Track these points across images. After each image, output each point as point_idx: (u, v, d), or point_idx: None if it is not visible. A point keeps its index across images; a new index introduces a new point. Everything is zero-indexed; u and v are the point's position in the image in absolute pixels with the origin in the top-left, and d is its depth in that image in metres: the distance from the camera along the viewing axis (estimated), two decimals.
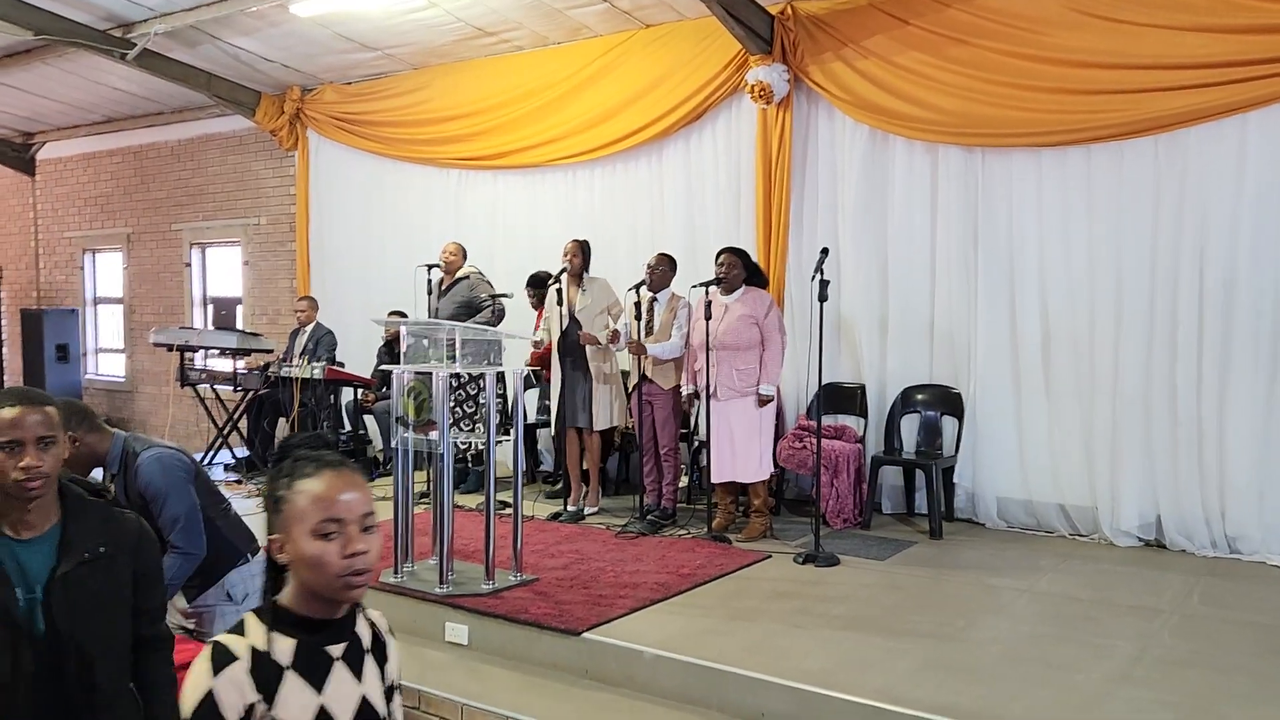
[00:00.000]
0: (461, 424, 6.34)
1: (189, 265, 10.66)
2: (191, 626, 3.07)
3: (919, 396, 6.18)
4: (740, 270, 5.63)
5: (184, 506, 2.90)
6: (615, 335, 5.99)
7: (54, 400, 2.14)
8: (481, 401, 6.49)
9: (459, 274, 6.71)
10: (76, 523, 2.04)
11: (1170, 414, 5.37)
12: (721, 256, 5.67)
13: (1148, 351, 5.44)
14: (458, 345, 4.66)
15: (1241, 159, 5.12)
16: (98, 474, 3.06)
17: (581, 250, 6.24)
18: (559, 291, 6.16)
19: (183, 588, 3.03)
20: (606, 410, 6.23)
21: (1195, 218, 5.26)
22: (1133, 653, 3.88)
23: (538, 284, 6.86)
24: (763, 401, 5.54)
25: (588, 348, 6.16)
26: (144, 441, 2.99)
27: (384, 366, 6.06)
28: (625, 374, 6.45)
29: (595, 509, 6.38)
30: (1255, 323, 5.13)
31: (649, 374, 5.92)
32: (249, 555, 3.09)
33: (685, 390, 5.88)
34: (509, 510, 5.43)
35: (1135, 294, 5.46)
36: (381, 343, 7.65)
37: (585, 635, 4.10)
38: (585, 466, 6.52)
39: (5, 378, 12.14)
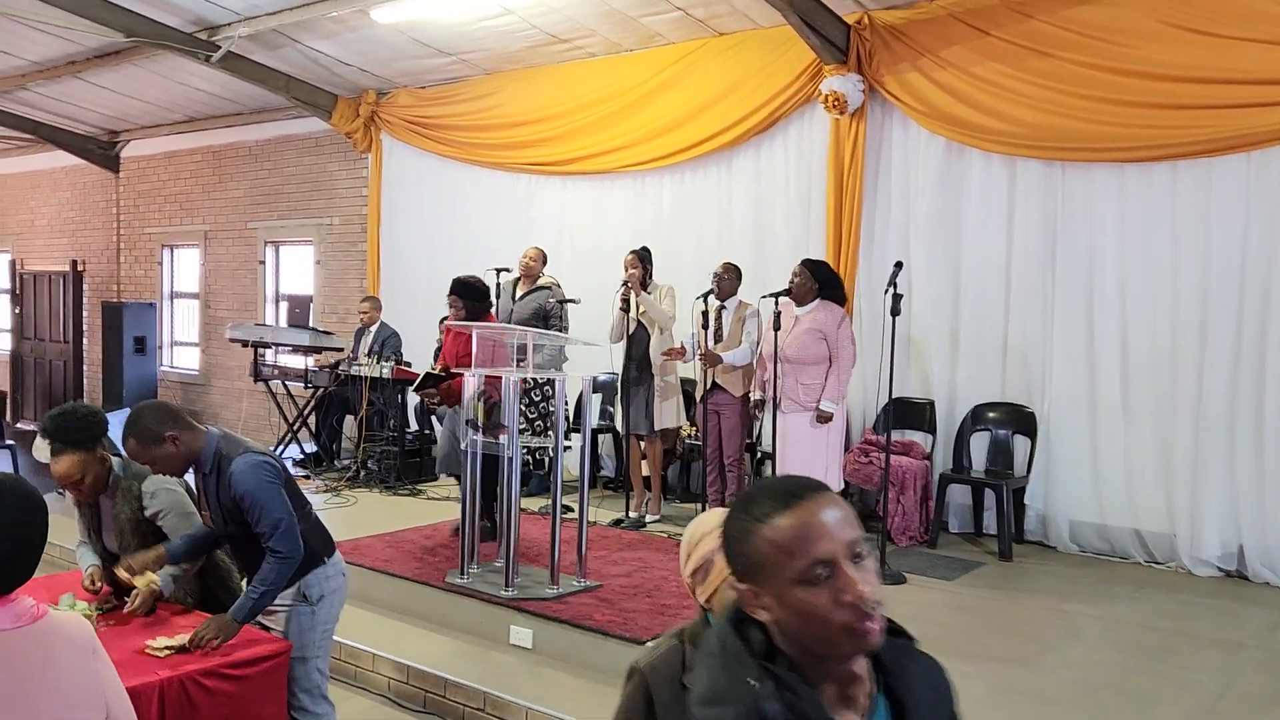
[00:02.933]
0: (535, 427, 6.38)
1: (263, 263, 10.89)
2: (269, 624, 3.12)
3: (990, 414, 6.06)
4: (811, 282, 5.57)
5: (283, 512, 2.96)
6: (682, 351, 5.97)
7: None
8: (551, 409, 6.54)
9: (540, 282, 6.72)
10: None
11: (1256, 439, 5.20)
12: (796, 267, 5.63)
13: (1233, 374, 5.27)
14: (530, 350, 4.69)
15: None
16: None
17: (640, 260, 6.23)
18: (625, 300, 6.17)
19: None
20: (664, 413, 6.20)
21: None
22: (1216, 688, 3.75)
23: (466, 292, 5.81)
24: (822, 418, 5.45)
25: (652, 355, 6.15)
26: (236, 444, 3.04)
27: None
28: (688, 381, 6.42)
29: (657, 517, 6.37)
30: None
31: (720, 381, 5.89)
32: (325, 558, 3.14)
33: (754, 396, 5.84)
34: (571, 515, 5.46)
35: (1221, 314, 5.29)
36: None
37: (649, 645, 4.08)
38: (646, 474, 6.52)
39: (85, 367, 12.54)
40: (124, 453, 3.15)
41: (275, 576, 2.96)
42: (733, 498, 5.91)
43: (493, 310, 6.03)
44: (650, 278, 6.28)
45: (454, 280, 5.92)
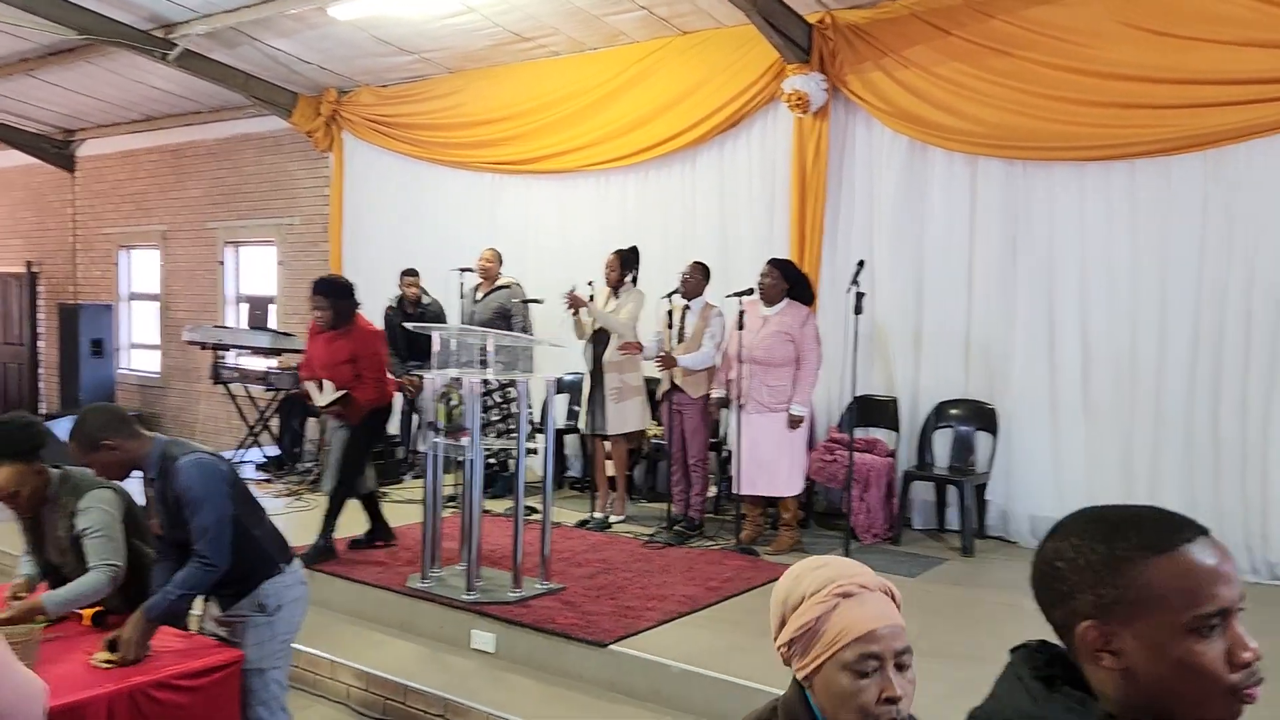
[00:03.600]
0: (494, 429, 6.34)
1: (223, 264, 10.74)
2: (225, 634, 3.05)
3: (953, 411, 6.09)
4: (779, 282, 5.57)
5: (216, 516, 2.87)
6: (638, 346, 5.93)
7: None
8: (513, 410, 6.50)
9: (499, 282, 6.69)
10: None
11: (1212, 436, 5.26)
12: (764, 267, 5.61)
13: (1191, 370, 5.33)
14: (490, 352, 4.65)
15: None
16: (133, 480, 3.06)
17: (621, 261, 6.19)
18: (591, 297, 6.15)
19: (218, 596, 3.01)
20: (620, 415, 6.16)
21: (1245, 236, 5.15)
22: None
23: (331, 290, 5.34)
24: (794, 422, 5.45)
25: (608, 356, 6.11)
26: (184, 446, 2.97)
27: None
28: (652, 381, 6.41)
29: (621, 517, 6.34)
30: None
31: (679, 383, 5.87)
32: (283, 566, 3.06)
33: (714, 394, 5.80)
34: (536, 517, 5.43)
35: (1179, 312, 5.35)
36: (390, 305, 7.45)
37: (612, 647, 4.06)
38: (611, 474, 6.50)
39: (41, 370, 12.29)
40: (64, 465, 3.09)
41: (195, 582, 2.88)
42: (697, 497, 5.90)
43: (360, 310, 5.36)
44: (635, 280, 6.20)
45: (317, 280, 5.41)
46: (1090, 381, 5.67)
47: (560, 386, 7.26)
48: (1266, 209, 5.09)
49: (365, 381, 5.05)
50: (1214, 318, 5.26)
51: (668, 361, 5.79)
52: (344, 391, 5.12)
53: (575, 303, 5.84)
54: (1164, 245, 5.40)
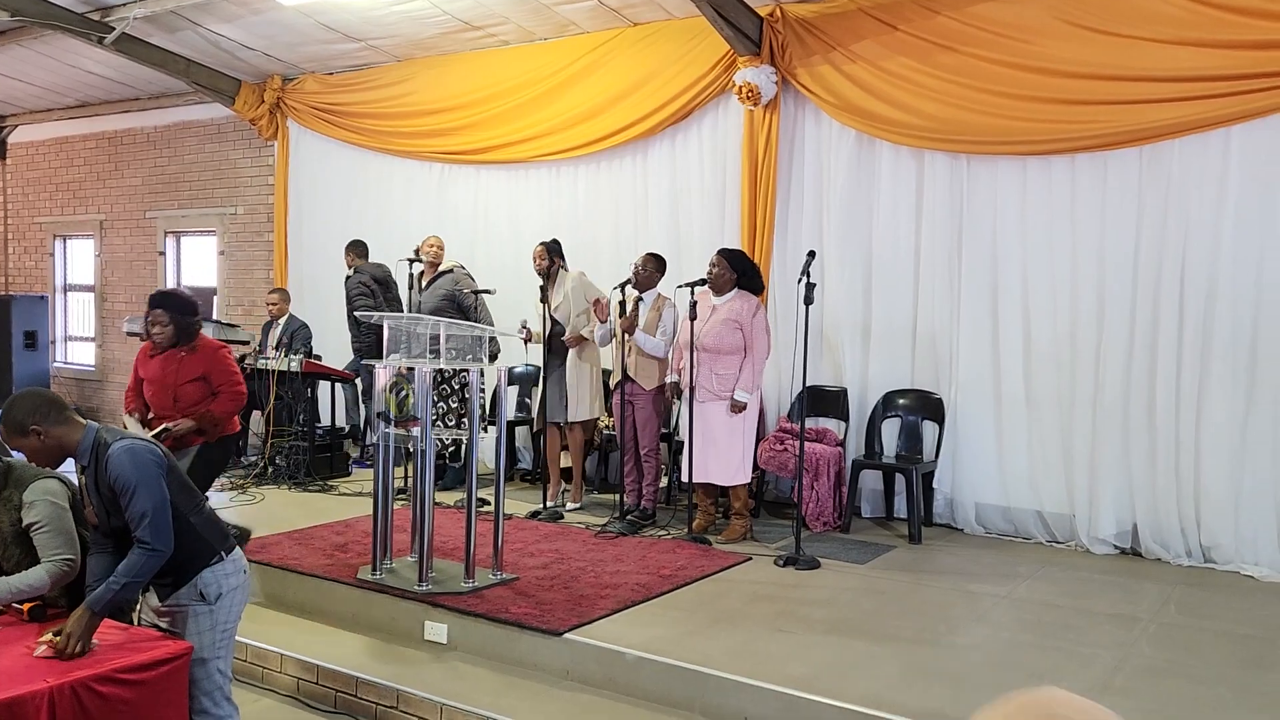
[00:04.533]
0: (446, 419, 6.30)
1: (163, 254, 10.50)
2: (164, 625, 2.99)
3: (900, 401, 6.19)
4: (729, 273, 5.60)
5: (154, 500, 2.80)
6: (602, 308, 5.89)
7: None
8: (466, 397, 6.46)
9: (441, 268, 6.68)
10: None
11: (1149, 423, 5.42)
12: (713, 257, 5.65)
13: (1127, 361, 5.48)
14: (442, 341, 4.61)
15: (1224, 172, 5.17)
16: (69, 467, 2.99)
17: (548, 252, 6.24)
18: (542, 289, 6.14)
19: (156, 586, 2.95)
20: (582, 403, 6.21)
21: (1177, 230, 5.30)
22: (1113, 662, 3.90)
23: (171, 304, 4.85)
24: (736, 408, 5.49)
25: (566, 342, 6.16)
26: (116, 433, 2.91)
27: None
28: (607, 372, 6.43)
29: (578, 505, 6.36)
30: (1234, 334, 5.18)
31: (631, 373, 5.89)
32: (223, 554, 3.00)
33: (669, 379, 5.82)
34: (487, 508, 5.40)
35: (1117, 304, 5.50)
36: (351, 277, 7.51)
37: (567, 636, 4.06)
38: (566, 464, 6.50)
39: None
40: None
41: (139, 569, 2.80)
42: (649, 487, 5.93)
43: (204, 329, 5.01)
44: (563, 268, 6.26)
45: (156, 294, 4.98)
46: (1032, 371, 5.80)
47: (511, 377, 7.25)
48: (1198, 204, 5.25)
49: (223, 394, 4.85)
50: (1149, 309, 5.42)
51: (629, 325, 5.76)
52: (164, 428, 4.65)
53: (626, 326, 5.80)
54: (1102, 238, 5.54)
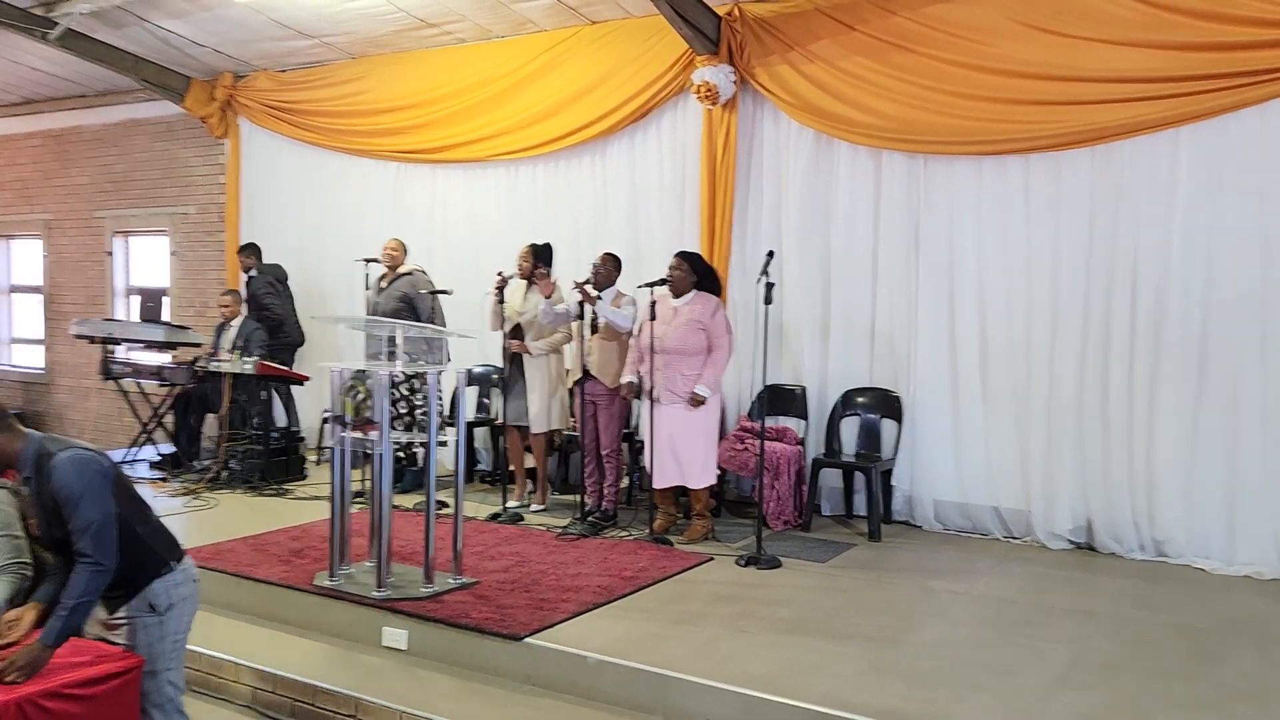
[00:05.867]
0: (401, 422, 6.23)
1: (111, 254, 10.27)
2: (113, 638, 2.92)
3: (859, 399, 6.23)
4: (688, 274, 5.59)
5: (98, 513, 2.72)
6: (548, 284, 5.84)
7: None
8: (419, 401, 6.40)
9: (401, 270, 6.61)
10: None
11: (1102, 419, 5.50)
12: (673, 259, 5.63)
13: (1081, 358, 5.55)
14: (399, 343, 4.55)
15: (1173, 172, 5.25)
16: None
17: (534, 255, 6.17)
18: (500, 294, 6.08)
19: (105, 599, 2.87)
20: (545, 414, 6.16)
21: (1128, 229, 5.38)
22: (1069, 656, 3.94)
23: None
24: (695, 402, 5.47)
25: (531, 350, 6.12)
26: (60, 442, 2.82)
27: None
28: (568, 372, 6.39)
29: (543, 506, 6.32)
30: (1184, 331, 5.26)
31: (594, 371, 5.85)
32: (172, 564, 2.94)
33: (625, 379, 5.75)
34: (447, 511, 5.34)
35: (1070, 302, 5.57)
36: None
37: (528, 640, 4.03)
38: (529, 465, 6.46)
39: None
40: None
41: (85, 588, 2.73)
42: (610, 488, 5.91)
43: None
44: (547, 276, 6.14)
45: None
46: (988, 369, 5.86)
47: (469, 378, 7.18)
48: (1148, 203, 5.33)
49: None
50: (1102, 306, 5.49)
51: (587, 295, 5.69)
52: None
53: (586, 296, 5.72)
54: (1056, 237, 5.61)
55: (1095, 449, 5.51)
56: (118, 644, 2.91)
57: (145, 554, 2.88)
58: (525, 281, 6.21)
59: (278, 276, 8.16)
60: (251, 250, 8.25)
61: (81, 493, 2.71)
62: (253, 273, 8.16)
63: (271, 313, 7.92)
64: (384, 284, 6.65)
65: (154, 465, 7.68)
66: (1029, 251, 5.69)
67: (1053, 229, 5.61)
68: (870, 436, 6.14)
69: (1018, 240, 5.72)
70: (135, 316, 9.53)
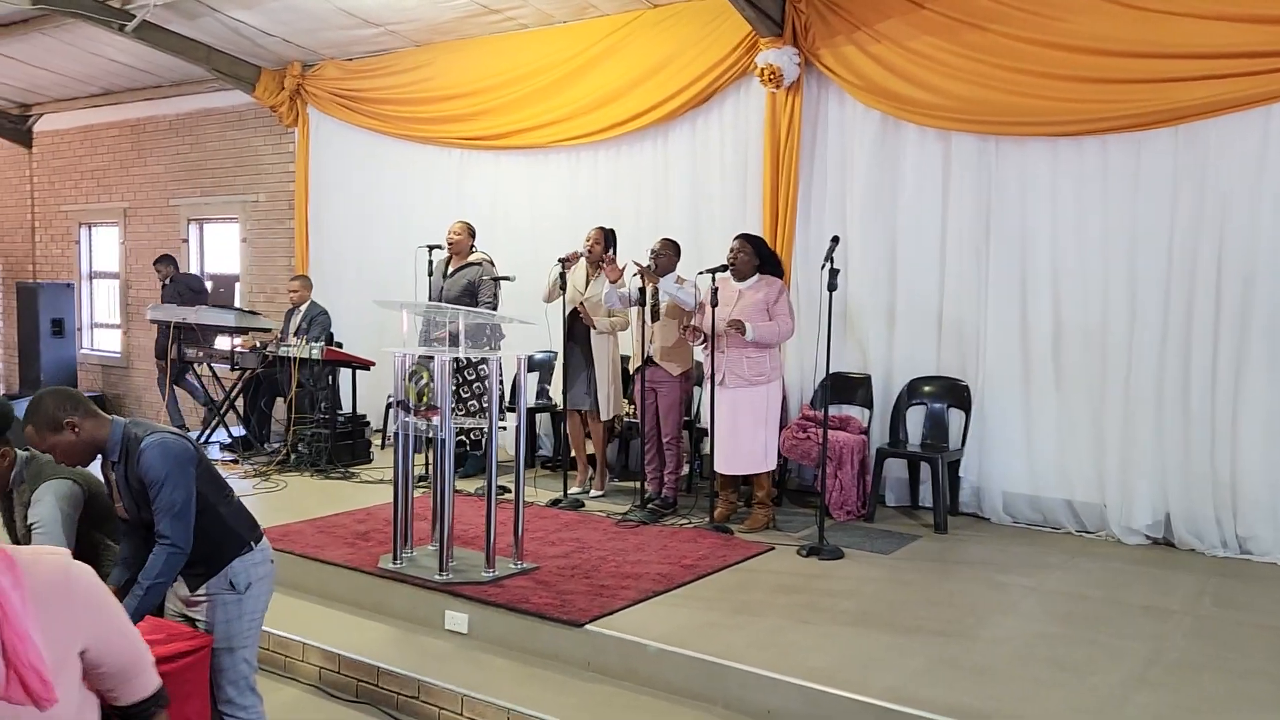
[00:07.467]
0: (467, 406, 6.27)
1: (186, 241, 10.53)
2: (192, 615, 2.98)
3: (926, 388, 6.09)
4: (751, 257, 5.52)
5: (180, 496, 2.80)
6: (614, 268, 5.79)
7: None
8: (485, 388, 6.43)
9: (470, 259, 6.60)
10: None
11: (1183, 411, 5.29)
12: (734, 242, 5.57)
13: (1161, 347, 5.34)
14: (462, 329, 4.57)
15: (1264, 153, 5.01)
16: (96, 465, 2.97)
17: (605, 238, 6.16)
18: (562, 276, 6.07)
19: (186, 576, 2.93)
20: (609, 399, 6.16)
21: (1214, 212, 5.16)
22: (1146, 655, 3.80)
23: None
24: (734, 325, 5.28)
25: (592, 334, 6.11)
26: (145, 427, 2.89)
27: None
28: (626, 358, 6.37)
29: (602, 493, 6.32)
30: (1272, 318, 5.03)
31: (657, 359, 5.82)
32: (252, 544, 3.00)
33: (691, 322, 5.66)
34: (507, 496, 5.37)
35: (1150, 288, 5.36)
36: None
37: (588, 627, 4.02)
38: (590, 450, 6.46)
39: (0, 351, 12.02)
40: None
41: (163, 568, 2.80)
42: (671, 475, 5.88)
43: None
44: (614, 261, 6.13)
45: None
46: (1062, 357, 5.68)
47: (530, 364, 7.20)
48: (1235, 184, 5.10)
49: None
50: (1183, 292, 5.28)
51: (650, 275, 5.65)
52: None
53: (648, 276, 5.70)
54: (1134, 220, 5.40)
55: (1175, 441, 5.30)
56: (197, 621, 2.96)
57: (226, 533, 2.95)
58: (590, 265, 6.19)
59: (191, 286, 9.09)
60: (167, 260, 9.30)
61: (166, 475, 2.78)
62: (167, 281, 9.17)
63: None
64: (449, 270, 6.68)
65: (225, 448, 7.87)
66: (1106, 236, 5.49)
67: (1131, 212, 5.40)
68: (937, 426, 6.01)
69: (1094, 224, 5.52)
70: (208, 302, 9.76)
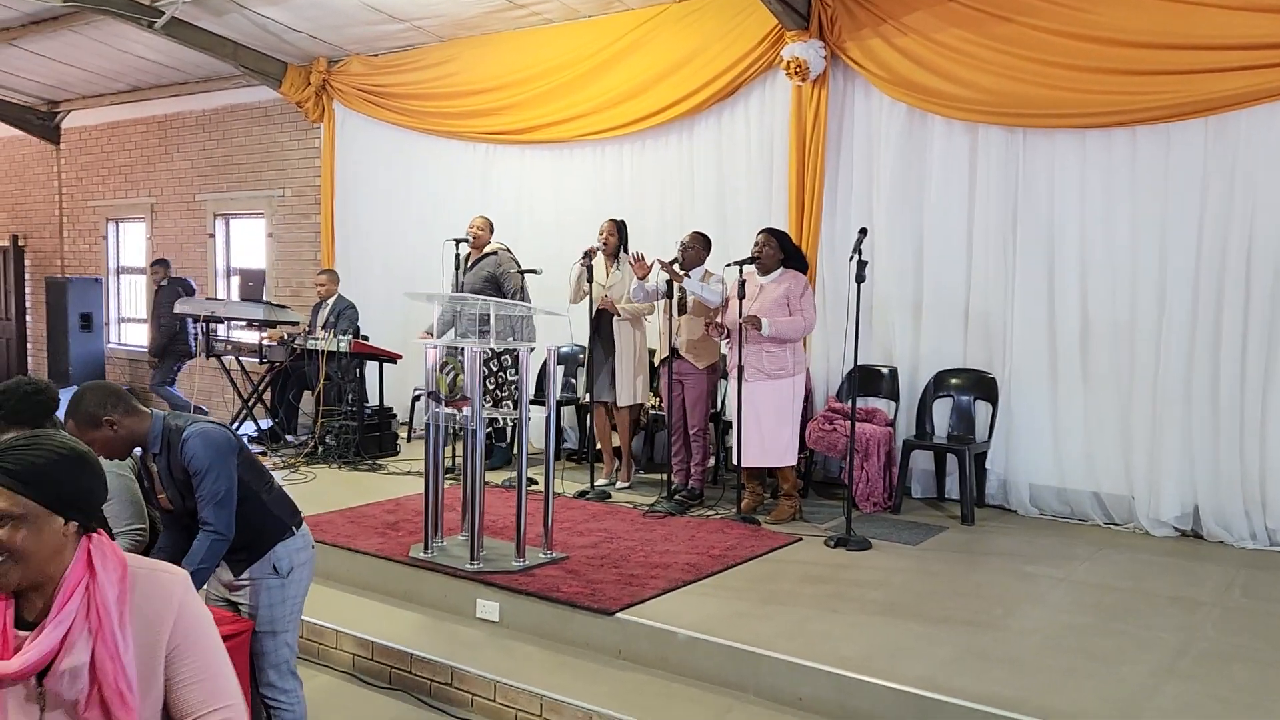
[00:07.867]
0: (498, 398, 6.33)
1: (212, 236, 10.64)
2: (235, 599, 3.04)
3: (952, 380, 6.09)
4: (775, 251, 5.54)
5: (224, 485, 2.86)
6: (642, 265, 5.82)
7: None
8: (512, 377, 6.49)
9: (486, 249, 6.68)
10: None
11: (1211, 403, 5.27)
12: (759, 236, 5.59)
13: (1190, 339, 5.33)
14: (492, 321, 4.61)
15: None
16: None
17: (618, 229, 6.21)
18: (588, 269, 6.11)
19: (230, 561, 2.99)
20: (628, 388, 6.19)
21: (1244, 204, 5.13)
22: (1176, 645, 3.81)
23: None
24: (751, 321, 5.32)
25: (615, 324, 6.15)
26: (183, 418, 2.94)
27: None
28: (652, 351, 6.40)
29: (628, 484, 6.36)
30: None
31: (683, 352, 5.85)
32: (293, 529, 3.07)
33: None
34: (536, 487, 5.41)
35: (1179, 280, 5.34)
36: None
37: (618, 615, 4.06)
38: (615, 443, 6.50)
39: (29, 345, 12.18)
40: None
41: (206, 554, 2.85)
42: (697, 467, 5.90)
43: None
44: (625, 250, 6.20)
45: None
46: (1089, 349, 5.67)
47: (558, 357, 7.24)
48: (1266, 176, 5.08)
49: None
50: (1213, 285, 5.26)
51: (674, 273, 5.67)
52: None
53: (673, 274, 5.74)
54: (1164, 212, 5.39)
55: (1204, 434, 5.29)
56: (240, 604, 3.02)
57: (268, 518, 3.01)
58: (608, 257, 6.23)
59: (185, 288, 9.26)
60: (161, 264, 9.52)
61: (209, 464, 2.84)
62: (163, 282, 9.36)
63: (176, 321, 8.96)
64: (470, 263, 6.74)
65: (254, 440, 7.95)
66: (1135, 228, 5.48)
67: (1161, 204, 5.38)
68: (963, 418, 6.01)
69: (1123, 216, 5.51)
70: (235, 296, 9.86)
